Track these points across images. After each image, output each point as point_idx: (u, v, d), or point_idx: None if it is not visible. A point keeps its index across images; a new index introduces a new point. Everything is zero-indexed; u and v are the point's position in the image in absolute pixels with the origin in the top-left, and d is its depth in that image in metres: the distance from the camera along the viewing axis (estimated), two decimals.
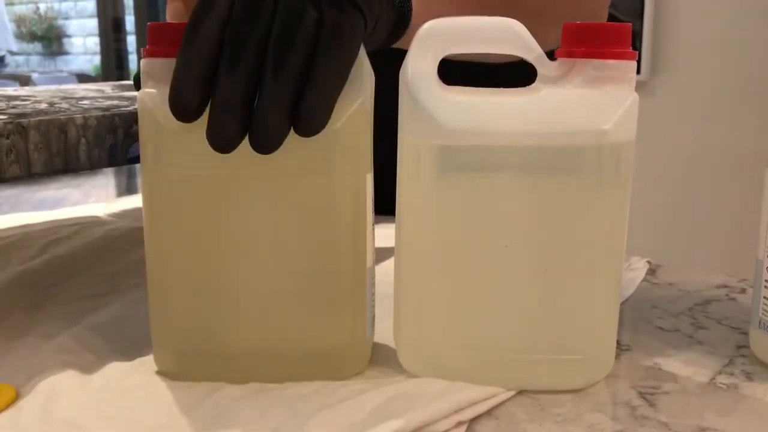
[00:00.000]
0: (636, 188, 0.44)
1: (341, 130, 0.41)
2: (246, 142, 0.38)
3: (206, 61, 0.38)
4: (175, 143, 0.41)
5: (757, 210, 0.47)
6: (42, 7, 5.84)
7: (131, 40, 4.08)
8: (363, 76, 0.41)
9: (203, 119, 0.39)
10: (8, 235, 0.76)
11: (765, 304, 0.46)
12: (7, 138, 0.48)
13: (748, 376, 0.46)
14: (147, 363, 0.46)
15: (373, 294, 0.46)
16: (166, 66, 0.40)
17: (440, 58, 0.41)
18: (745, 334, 0.51)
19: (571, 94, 0.41)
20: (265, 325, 0.44)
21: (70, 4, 5.74)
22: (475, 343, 0.44)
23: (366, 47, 0.42)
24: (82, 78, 5.31)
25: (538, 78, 0.42)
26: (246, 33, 0.38)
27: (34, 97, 0.69)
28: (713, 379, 0.46)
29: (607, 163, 0.41)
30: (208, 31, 0.38)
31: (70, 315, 0.54)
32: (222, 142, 0.38)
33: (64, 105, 0.61)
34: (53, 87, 0.85)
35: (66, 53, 5.86)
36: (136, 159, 0.48)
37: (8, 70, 5.86)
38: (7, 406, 0.41)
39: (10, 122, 0.49)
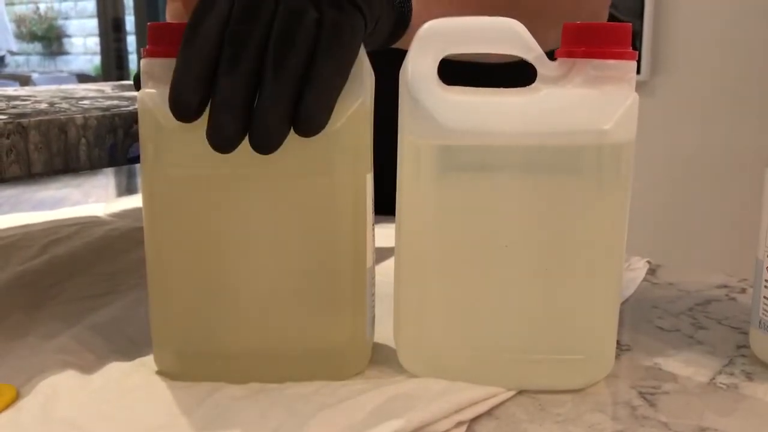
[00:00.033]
0: (636, 188, 0.44)
1: (341, 130, 0.41)
2: (246, 142, 0.38)
3: (206, 61, 0.38)
4: (175, 143, 0.41)
5: (757, 210, 0.47)
6: (42, 7, 5.84)
7: (131, 40, 4.08)
8: (363, 76, 0.41)
9: (203, 119, 0.39)
10: (8, 235, 0.76)
11: (765, 304, 0.46)
12: (8, 138, 0.48)
13: (749, 376, 0.46)
14: (147, 363, 0.46)
15: (373, 294, 0.46)
16: (166, 66, 0.40)
17: (440, 58, 0.41)
18: (746, 334, 0.51)
19: (572, 94, 0.41)
20: (266, 325, 0.44)
21: (70, 4, 5.74)
22: (476, 343, 0.44)
23: (366, 47, 0.42)
24: (82, 78, 5.31)
25: (538, 78, 0.42)
26: (246, 33, 0.38)
27: (35, 97, 0.69)
28: (713, 379, 0.46)
29: (607, 163, 0.41)
30: (208, 31, 0.38)
31: (70, 315, 0.54)
32: (222, 142, 0.38)
33: (64, 105, 0.61)
34: (53, 87, 0.85)
35: (66, 53, 5.86)
36: (136, 159, 0.48)
37: (8, 70, 5.86)
38: (7, 406, 0.41)
39: (10, 122, 0.49)
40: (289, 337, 0.44)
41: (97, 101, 0.65)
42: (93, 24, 4.74)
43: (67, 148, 0.52)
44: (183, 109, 0.39)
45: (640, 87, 0.41)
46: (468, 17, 0.41)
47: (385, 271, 0.47)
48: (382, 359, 0.46)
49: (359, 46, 0.41)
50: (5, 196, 3.48)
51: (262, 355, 0.44)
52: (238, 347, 0.44)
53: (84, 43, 5.71)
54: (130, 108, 0.58)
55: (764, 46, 1.97)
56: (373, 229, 0.45)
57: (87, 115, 0.53)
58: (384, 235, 0.48)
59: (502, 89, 0.42)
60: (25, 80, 5.43)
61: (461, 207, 0.42)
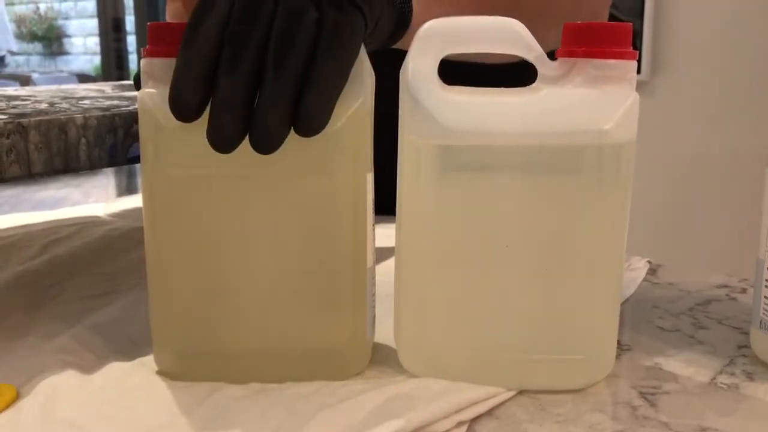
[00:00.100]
0: (636, 188, 0.44)
1: (341, 130, 0.41)
2: (246, 142, 0.38)
3: (206, 61, 0.38)
4: (175, 143, 0.41)
5: (757, 210, 0.47)
6: (42, 7, 5.84)
7: (131, 40, 4.09)
8: (363, 76, 0.41)
9: (203, 119, 0.39)
10: (8, 235, 0.76)
11: (766, 304, 0.46)
12: (8, 138, 0.48)
13: (749, 376, 0.46)
14: (147, 363, 0.46)
15: (374, 294, 0.46)
16: (166, 66, 0.40)
17: (440, 58, 0.41)
18: (746, 334, 0.51)
19: (572, 93, 0.41)
20: (266, 325, 0.44)
21: (70, 4, 5.74)
22: (476, 343, 0.44)
23: (366, 47, 0.42)
24: (83, 78, 5.31)
25: (538, 78, 0.42)
26: (246, 33, 0.38)
27: (35, 97, 0.69)
28: (714, 379, 0.46)
29: (607, 163, 0.41)
30: (208, 31, 0.38)
31: (70, 315, 0.54)
32: (222, 142, 0.38)
33: (65, 105, 0.61)
34: (53, 87, 0.85)
35: (66, 53, 5.86)
36: (136, 159, 0.48)
37: (8, 70, 5.86)
38: (8, 406, 0.41)
39: (11, 122, 0.49)
40: (289, 337, 0.44)
41: (97, 101, 0.65)
42: (93, 24, 4.75)
43: (67, 148, 0.52)
44: (183, 109, 0.39)
45: (640, 87, 0.41)
46: (468, 17, 0.41)
47: (385, 271, 0.47)
48: (382, 359, 0.46)
49: (359, 47, 0.40)
50: (5, 196, 3.49)
51: (262, 355, 0.44)
52: (238, 347, 0.44)
53: (84, 43, 5.71)
54: (130, 108, 0.58)
55: (764, 46, 1.97)
56: (374, 229, 0.45)
57: (87, 115, 0.53)
58: (384, 235, 0.48)
59: (502, 89, 0.42)
60: (25, 80, 5.43)
61: (461, 207, 0.42)
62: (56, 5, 5.81)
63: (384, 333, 0.47)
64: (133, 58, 4.08)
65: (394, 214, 0.44)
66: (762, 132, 1.98)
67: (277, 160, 0.39)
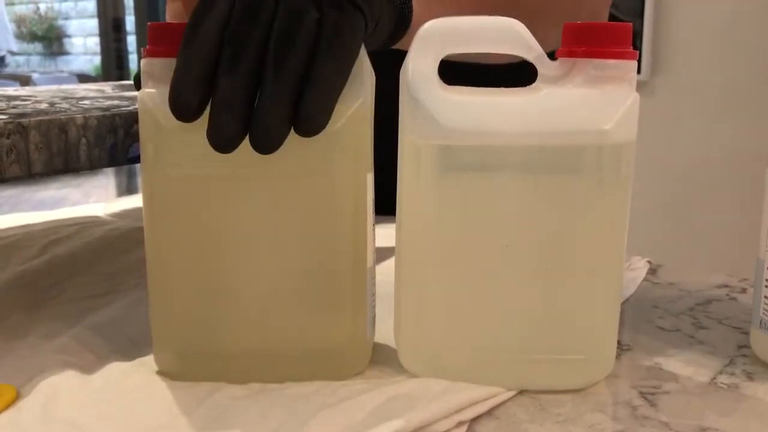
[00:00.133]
0: (636, 188, 0.44)
1: (341, 130, 0.41)
2: (246, 142, 0.38)
3: (206, 61, 0.38)
4: (175, 143, 0.41)
5: (757, 210, 0.47)
6: (42, 7, 5.84)
7: (131, 40, 4.09)
8: (363, 76, 0.41)
9: (203, 119, 0.39)
10: (8, 235, 0.76)
11: (766, 304, 0.46)
12: (8, 138, 0.48)
13: (749, 376, 0.46)
14: (147, 363, 0.46)
15: (374, 294, 0.46)
16: (166, 66, 0.40)
17: (440, 58, 0.41)
18: (746, 333, 0.51)
19: (572, 93, 0.41)
20: (266, 325, 0.44)
21: (71, 4, 5.74)
22: (476, 343, 0.44)
23: (367, 48, 0.42)
24: (83, 78, 5.31)
25: (538, 78, 0.42)
26: (246, 33, 0.38)
27: (35, 97, 0.69)
28: (714, 378, 0.46)
29: (607, 163, 0.41)
30: (208, 31, 0.38)
31: (70, 315, 0.54)
32: (222, 142, 0.38)
33: (65, 105, 0.61)
34: (53, 87, 0.85)
35: (66, 53, 5.86)
36: (136, 159, 0.48)
37: (8, 70, 5.86)
38: (8, 406, 0.41)
39: (11, 122, 0.49)
40: (289, 337, 0.44)
41: (98, 101, 0.65)
42: (93, 24, 4.75)
43: (67, 148, 0.52)
44: (183, 109, 0.39)
45: (640, 87, 0.41)
46: (468, 17, 0.41)
47: (385, 271, 0.47)
48: (382, 359, 0.46)
49: (360, 47, 0.40)
50: (5, 196, 3.48)
51: (262, 355, 0.44)
52: (238, 347, 0.44)
53: (84, 43, 5.71)
54: (130, 108, 0.58)
55: (764, 46, 1.97)
56: (374, 229, 0.45)
57: (87, 115, 0.53)
58: (384, 235, 0.48)
59: (502, 89, 0.42)
60: (25, 80, 5.43)
61: (461, 207, 0.42)
62: (56, 5, 5.81)
63: (384, 333, 0.47)
64: (133, 58, 4.08)
65: (394, 214, 0.44)
66: (762, 132, 1.98)
67: (277, 160, 0.39)
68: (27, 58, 5.97)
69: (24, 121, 0.49)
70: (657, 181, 2.11)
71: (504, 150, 0.41)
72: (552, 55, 0.42)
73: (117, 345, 0.49)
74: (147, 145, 0.42)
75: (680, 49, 2.10)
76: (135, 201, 0.92)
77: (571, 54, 0.41)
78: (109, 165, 0.55)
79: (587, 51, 0.40)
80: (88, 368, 0.45)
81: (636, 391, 0.44)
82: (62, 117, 0.52)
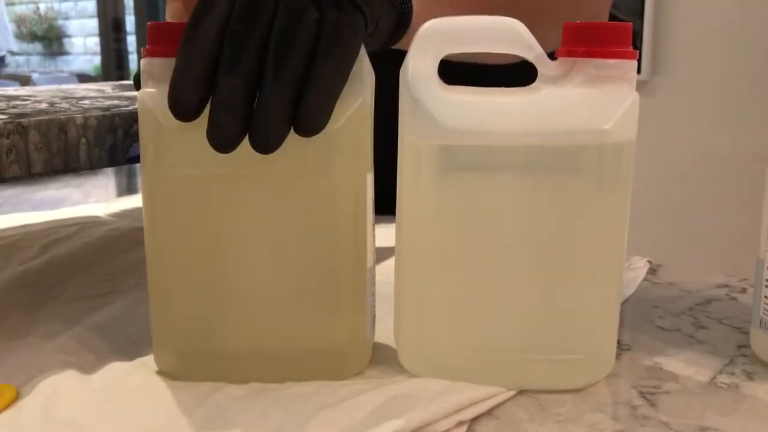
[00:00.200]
0: (636, 188, 0.44)
1: (341, 130, 0.41)
2: (246, 142, 0.38)
3: (206, 60, 0.38)
4: (175, 143, 0.41)
5: (757, 209, 0.47)
6: (42, 7, 5.84)
7: (131, 40, 4.09)
8: (363, 76, 0.41)
9: (203, 119, 0.39)
10: (8, 235, 0.76)
11: (766, 304, 0.46)
12: (7, 138, 0.48)
13: (749, 376, 0.46)
14: (147, 363, 0.46)
15: (374, 294, 0.46)
16: (166, 66, 0.40)
17: (440, 58, 0.41)
18: (746, 333, 0.51)
19: (572, 93, 0.41)
20: (266, 325, 0.44)
21: (70, 4, 5.74)
22: (476, 343, 0.44)
23: (367, 48, 0.42)
24: (83, 78, 5.31)
25: (538, 77, 0.42)
26: (246, 33, 0.38)
27: (35, 97, 0.69)
28: (714, 378, 0.46)
29: (607, 163, 0.41)
30: (208, 31, 0.38)
31: (70, 315, 0.54)
32: (222, 142, 0.38)
33: (65, 105, 0.61)
34: (53, 87, 0.85)
35: (66, 53, 5.85)
36: (136, 159, 0.48)
37: (8, 70, 5.86)
38: (8, 406, 0.41)
39: (10, 122, 0.49)
40: (289, 337, 0.44)
41: (97, 101, 0.65)
42: (93, 24, 4.75)
43: (67, 148, 0.52)
44: (182, 108, 0.39)
45: (640, 87, 0.41)
46: (468, 17, 0.41)
47: (385, 271, 0.47)
48: (382, 359, 0.46)
49: (359, 47, 0.40)
50: (5, 196, 3.48)
51: (262, 355, 0.44)
52: (238, 347, 0.44)
53: (84, 43, 5.71)
54: (130, 108, 0.58)
55: (764, 46, 1.97)
56: (374, 229, 0.45)
57: (87, 114, 0.53)
58: (384, 235, 0.48)
59: (502, 89, 0.42)
60: (25, 80, 5.43)
61: (461, 207, 0.42)
62: (56, 5, 5.81)
63: (384, 333, 0.47)
64: (133, 58, 4.08)
65: (394, 214, 0.44)
66: (762, 132, 1.98)
67: (277, 160, 0.39)
68: (27, 58, 5.97)
69: (24, 121, 0.49)
70: (657, 181, 2.11)
71: (504, 150, 0.41)
72: (552, 55, 0.42)
73: (117, 345, 0.49)
74: (147, 145, 0.42)
75: (680, 49, 2.10)
76: (135, 201, 0.92)
77: (571, 54, 0.41)
78: (109, 165, 0.55)
79: (587, 51, 0.40)
80: (88, 368, 0.45)
81: (636, 391, 0.44)
82: (62, 117, 0.52)
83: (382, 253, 0.48)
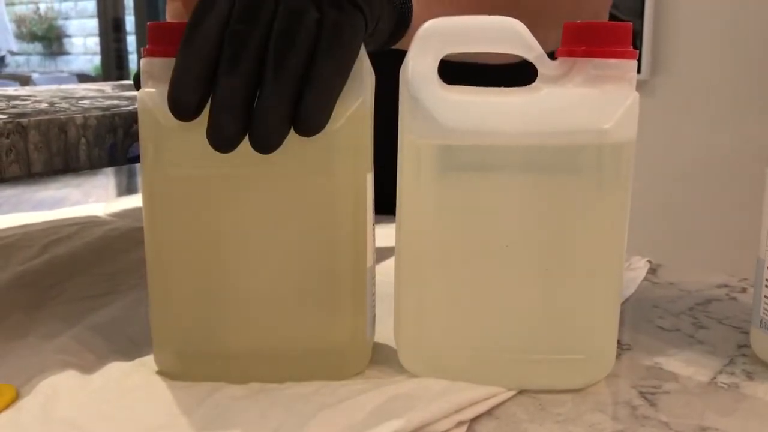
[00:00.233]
0: (636, 188, 0.44)
1: (341, 130, 0.41)
2: (246, 141, 0.38)
3: (206, 60, 0.38)
4: (175, 143, 0.41)
5: (757, 209, 0.47)
6: (42, 7, 5.84)
7: (131, 40, 4.09)
8: (363, 76, 0.41)
9: (203, 119, 0.39)
10: (8, 235, 0.76)
11: (766, 304, 0.46)
12: (7, 138, 0.48)
13: (749, 376, 0.46)
14: (147, 363, 0.46)
15: (374, 294, 0.46)
16: (166, 66, 0.40)
17: (440, 58, 0.41)
18: (746, 333, 0.51)
19: (572, 93, 0.41)
20: (266, 325, 0.44)
21: (70, 4, 5.74)
22: (476, 343, 0.44)
23: (367, 47, 0.42)
24: (83, 78, 5.31)
25: (538, 77, 0.42)
26: (246, 33, 0.38)
27: (34, 96, 0.69)
28: (714, 378, 0.46)
29: (607, 163, 0.41)
30: (208, 31, 0.38)
31: (70, 315, 0.54)
32: (222, 141, 0.38)
33: (64, 105, 0.61)
34: (53, 87, 0.85)
35: (66, 53, 5.86)
36: (136, 159, 0.48)
37: (8, 70, 5.86)
38: (7, 406, 0.41)
39: (10, 122, 0.49)
40: (289, 337, 0.44)
41: (97, 101, 0.65)
42: (93, 24, 4.75)
43: (67, 147, 0.52)
44: (182, 108, 0.39)
45: (640, 86, 0.41)
46: (468, 17, 0.41)
47: (385, 271, 0.47)
48: (382, 359, 0.46)
49: (359, 47, 0.40)
50: (5, 196, 3.48)
51: (262, 355, 0.44)
52: (238, 347, 0.44)
53: (84, 43, 5.71)
54: (130, 108, 0.58)
55: (764, 46, 1.97)
56: (374, 229, 0.45)
57: (87, 114, 0.53)
58: (384, 235, 0.48)
59: (502, 89, 0.42)
60: (25, 80, 5.43)
61: (461, 207, 0.42)
62: (56, 5, 5.81)
63: (384, 333, 0.47)
64: (133, 58, 4.08)
65: (394, 214, 0.44)
66: (762, 132, 1.98)
67: (277, 159, 0.39)
68: (27, 58, 5.97)
69: (23, 120, 0.49)
70: (657, 181, 2.11)
71: (504, 150, 0.41)
72: (552, 55, 0.42)
73: (117, 345, 0.49)
74: (147, 145, 0.42)
75: (680, 49, 2.10)
76: (135, 201, 0.92)
77: (571, 53, 0.41)
78: (109, 165, 0.55)
79: (587, 50, 0.40)
80: (88, 368, 0.45)
81: (636, 391, 0.44)
82: (62, 117, 0.52)
83: (382, 253, 0.48)
